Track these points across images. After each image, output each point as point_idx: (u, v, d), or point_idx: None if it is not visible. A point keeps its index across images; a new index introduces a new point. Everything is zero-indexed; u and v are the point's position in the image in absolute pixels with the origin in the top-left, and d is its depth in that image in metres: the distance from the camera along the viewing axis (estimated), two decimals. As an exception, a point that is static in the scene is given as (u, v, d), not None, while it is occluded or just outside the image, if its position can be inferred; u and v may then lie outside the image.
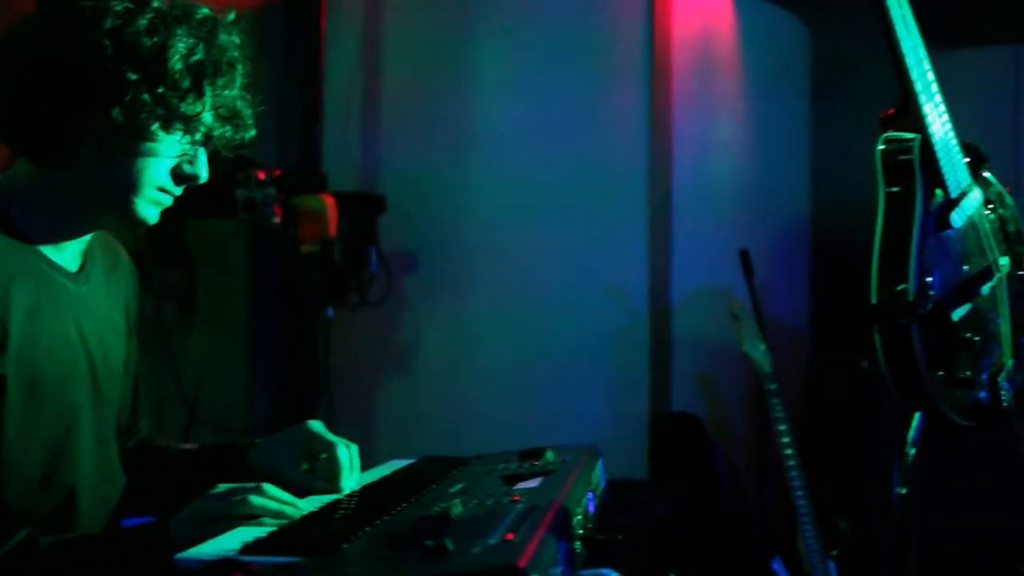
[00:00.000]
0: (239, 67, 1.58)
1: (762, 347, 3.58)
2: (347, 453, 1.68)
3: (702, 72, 4.42)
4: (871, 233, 1.86)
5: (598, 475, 1.79)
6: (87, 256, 1.67)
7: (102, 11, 1.47)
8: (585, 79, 4.20)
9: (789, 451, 3.47)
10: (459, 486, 1.58)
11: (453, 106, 4.19)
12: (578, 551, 1.37)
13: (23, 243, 1.54)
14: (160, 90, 1.48)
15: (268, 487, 1.46)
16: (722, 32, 4.52)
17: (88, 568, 1.41)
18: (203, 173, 1.61)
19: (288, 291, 3.92)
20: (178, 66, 1.49)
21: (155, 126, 1.50)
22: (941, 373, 1.80)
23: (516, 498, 1.40)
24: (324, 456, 1.69)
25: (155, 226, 1.61)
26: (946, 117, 1.90)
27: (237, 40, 1.59)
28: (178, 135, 1.54)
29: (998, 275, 1.97)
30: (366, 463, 1.88)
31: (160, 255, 3.76)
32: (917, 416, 1.87)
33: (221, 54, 1.55)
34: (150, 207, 1.58)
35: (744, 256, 3.81)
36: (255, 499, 1.42)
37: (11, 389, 1.47)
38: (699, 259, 4.29)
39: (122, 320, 1.77)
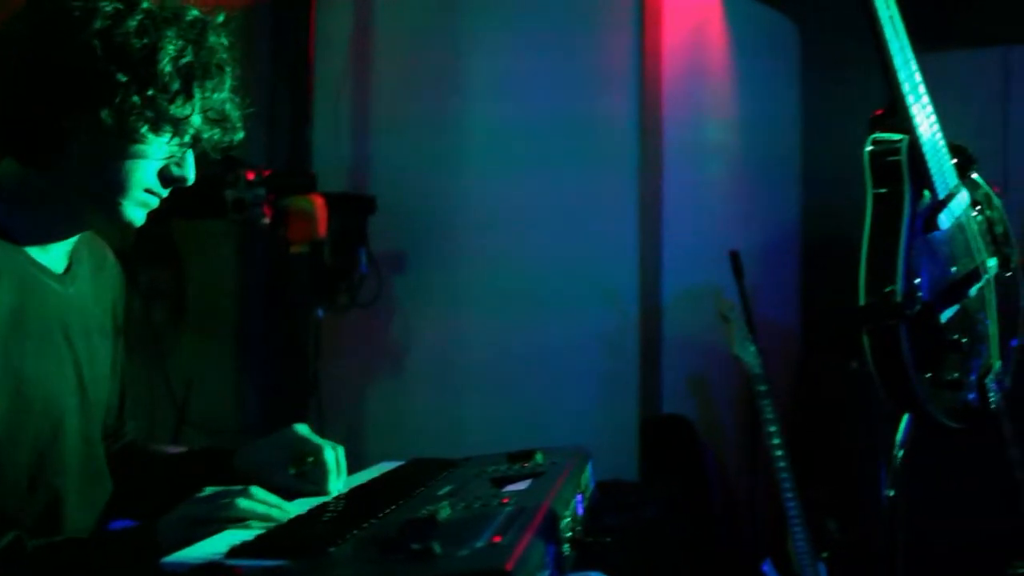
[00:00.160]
0: (228, 69, 1.58)
1: (752, 348, 3.59)
2: (334, 455, 1.68)
3: (692, 72, 4.42)
4: (861, 235, 1.86)
5: (587, 477, 1.79)
6: (73, 257, 1.66)
7: (92, 12, 1.47)
8: (575, 79, 4.20)
9: (779, 452, 3.48)
10: (447, 488, 1.57)
11: (443, 107, 4.18)
12: (566, 554, 1.37)
13: (8, 243, 1.53)
14: (150, 92, 1.47)
15: (255, 490, 1.45)
16: (712, 32, 4.52)
17: (75, 571, 1.40)
18: (191, 175, 1.60)
19: (277, 292, 3.92)
20: (168, 68, 1.49)
21: (144, 128, 1.50)
22: (929, 375, 1.80)
23: (504, 501, 1.40)
24: (311, 459, 1.68)
25: (144, 226, 1.61)
26: (934, 118, 1.91)
27: (226, 42, 1.58)
28: (166, 137, 1.54)
29: (986, 277, 1.97)
30: (356, 465, 1.87)
31: (149, 256, 3.75)
32: (905, 418, 1.87)
33: (211, 56, 1.54)
34: (137, 209, 1.57)
35: (734, 257, 3.82)
36: (242, 502, 1.42)
37: None
38: (690, 260, 4.29)
39: (109, 322, 1.76)
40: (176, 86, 1.50)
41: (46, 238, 1.59)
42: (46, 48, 1.47)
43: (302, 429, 1.73)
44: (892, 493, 1.94)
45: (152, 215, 1.61)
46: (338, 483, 1.68)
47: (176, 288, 3.89)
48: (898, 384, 1.78)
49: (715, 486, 4.15)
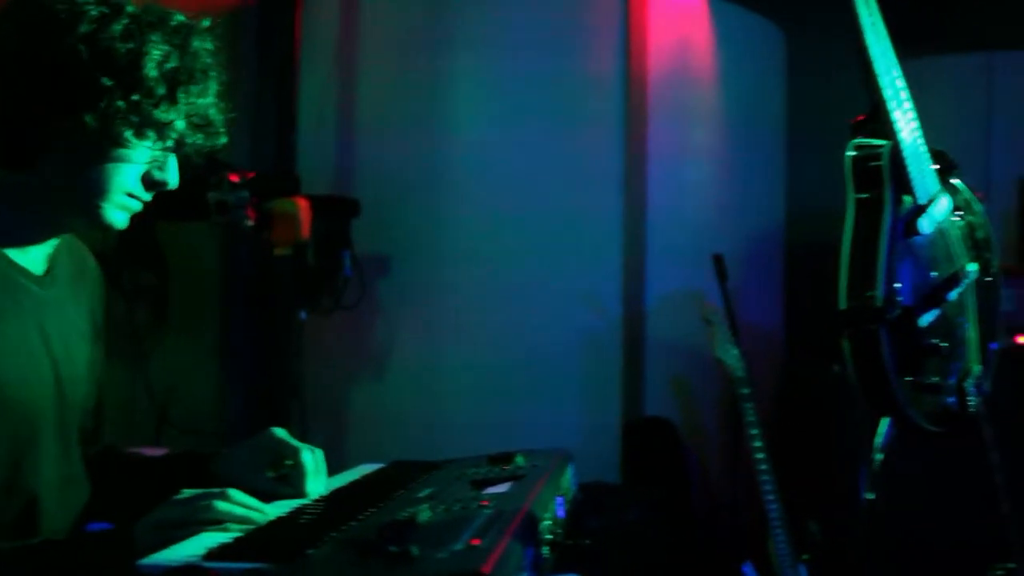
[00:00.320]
0: (213, 75, 1.57)
1: (735, 352, 3.59)
2: (312, 458, 1.67)
3: (678, 77, 4.44)
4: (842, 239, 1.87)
5: (568, 480, 1.79)
6: (53, 260, 1.66)
7: (77, 15, 1.46)
8: (561, 83, 4.21)
9: (761, 455, 3.49)
10: (427, 491, 1.57)
11: (428, 110, 4.18)
12: (545, 556, 1.37)
13: (-13, 245, 1.53)
14: (134, 97, 1.47)
15: (233, 492, 1.44)
16: (698, 38, 4.54)
17: (50, 573, 1.39)
18: (173, 179, 1.60)
19: (261, 294, 3.91)
20: (153, 73, 1.48)
21: (127, 133, 1.49)
22: (909, 379, 1.81)
23: (484, 503, 1.40)
24: (289, 462, 1.68)
25: (127, 228, 1.60)
26: (915, 124, 1.92)
27: (211, 47, 1.58)
28: (150, 141, 1.53)
29: (966, 281, 1.98)
30: (338, 467, 1.87)
31: (132, 257, 3.74)
32: (884, 422, 1.88)
33: (196, 61, 1.54)
34: (119, 212, 1.57)
35: (718, 260, 3.83)
36: (220, 504, 1.41)
37: None
38: (673, 263, 4.30)
39: (88, 325, 1.75)
40: (161, 91, 1.49)
41: (26, 240, 1.59)
42: (31, 51, 1.46)
43: (280, 432, 1.72)
44: (871, 496, 1.94)
45: (135, 217, 1.60)
46: (317, 485, 1.67)
47: (159, 290, 3.88)
48: (878, 388, 1.78)
49: (697, 488, 4.16)
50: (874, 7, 1.84)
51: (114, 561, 1.36)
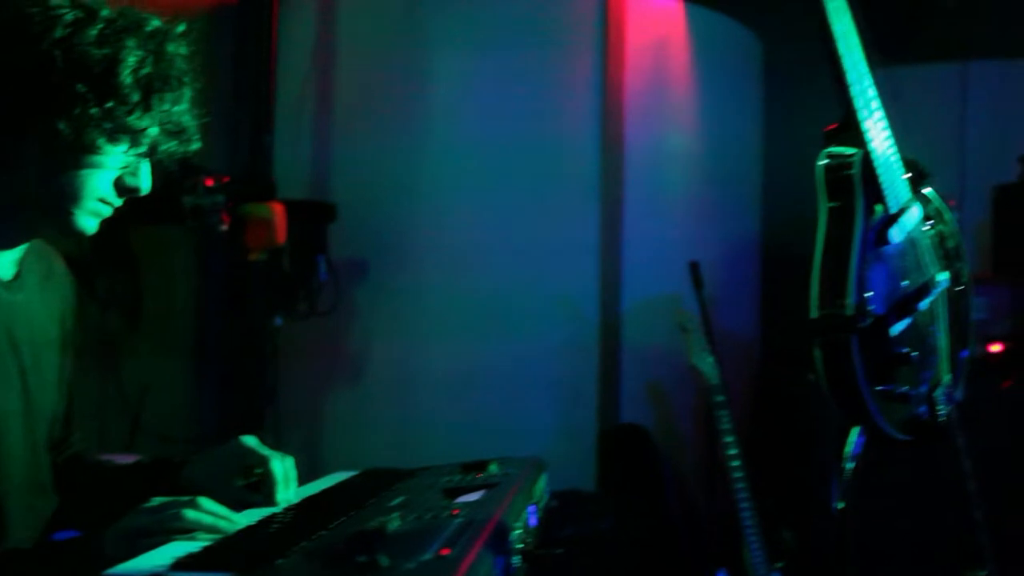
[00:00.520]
0: (188, 81, 1.56)
1: (710, 359, 3.60)
2: (282, 466, 1.66)
3: (655, 82, 4.45)
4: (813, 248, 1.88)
5: (541, 488, 1.79)
6: (22, 265, 1.64)
7: (52, 19, 1.45)
8: (538, 89, 4.21)
9: (735, 463, 3.49)
10: (399, 499, 1.56)
11: (406, 116, 4.18)
12: (516, 566, 1.36)
13: (-45, 250, 1.51)
14: (109, 104, 1.46)
15: (203, 501, 1.43)
16: (675, 43, 4.55)
17: (17, 583, 1.38)
18: (145, 185, 1.59)
19: (236, 299, 3.88)
20: (127, 80, 1.47)
21: (101, 139, 1.48)
22: (880, 388, 1.81)
23: (455, 512, 1.39)
24: (259, 471, 1.67)
25: (100, 232, 1.59)
26: (887, 133, 1.93)
27: (187, 52, 1.57)
28: (123, 147, 1.52)
29: (936, 290, 1.99)
30: (313, 474, 1.86)
31: (105, 261, 3.71)
32: (855, 431, 1.89)
33: (170, 68, 1.53)
34: (90, 218, 1.56)
35: (694, 268, 3.84)
36: (189, 513, 1.40)
37: None
38: (650, 271, 4.31)
39: (57, 330, 1.74)
40: (135, 98, 1.48)
41: (-5, 245, 1.57)
42: (3, 56, 1.45)
43: (250, 440, 1.71)
44: (842, 505, 1.95)
45: (110, 220, 1.59)
46: (287, 494, 1.66)
47: (132, 294, 3.85)
48: (849, 397, 1.79)
49: (672, 496, 4.16)
50: (846, 16, 1.84)
51: (81, 570, 1.35)
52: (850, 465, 1.89)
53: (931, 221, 2.10)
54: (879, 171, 1.89)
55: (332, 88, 4.26)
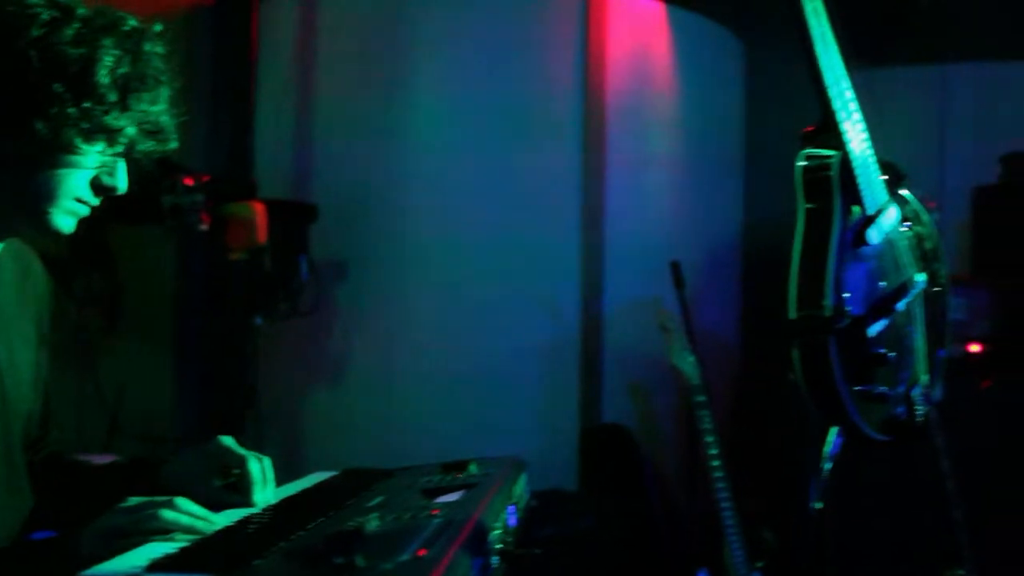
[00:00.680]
0: (165, 80, 1.56)
1: (691, 359, 3.61)
2: (259, 466, 1.66)
3: (636, 86, 4.46)
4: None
5: (521, 488, 1.78)
6: (-2, 264, 1.63)
7: (28, 18, 1.44)
8: (519, 92, 4.22)
9: (716, 463, 3.50)
10: (378, 500, 1.56)
11: (387, 116, 4.18)
12: (495, 566, 1.36)
13: (-70, 250, 1.50)
14: (86, 104, 1.45)
15: (180, 501, 1.42)
16: (657, 46, 4.56)
17: (-8, 584, 1.37)
18: (123, 184, 1.58)
19: (216, 299, 3.87)
20: (105, 80, 1.46)
21: (77, 139, 1.47)
22: (858, 388, 1.82)
23: (434, 512, 1.39)
24: (237, 471, 1.66)
25: (80, 231, 1.58)
26: (865, 135, 1.94)
27: (164, 52, 1.56)
28: (100, 147, 1.51)
29: (914, 291, 2.00)
30: (294, 474, 1.85)
31: (84, 261, 3.69)
32: (833, 431, 1.90)
33: (148, 67, 1.52)
34: (66, 217, 1.55)
35: (675, 267, 3.84)
36: (166, 513, 1.39)
37: None
38: (631, 271, 4.32)
39: (33, 330, 1.73)
40: (112, 98, 1.47)
41: (-30, 244, 1.56)
42: None
43: (227, 440, 1.70)
44: (820, 505, 1.96)
45: (89, 219, 1.58)
46: (265, 494, 1.65)
47: (112, 294, 3.83)
48: (827, 397, 1.80)
49: (653, 495, 4.17)
50: (824, 19, 1.85)
51: (58, 570, 1.34)
52: (828, 465, 1.90)
53: (909, 222, 2.11)
54: (857, 173, 1.90)
55: (313, 88, 4.26)
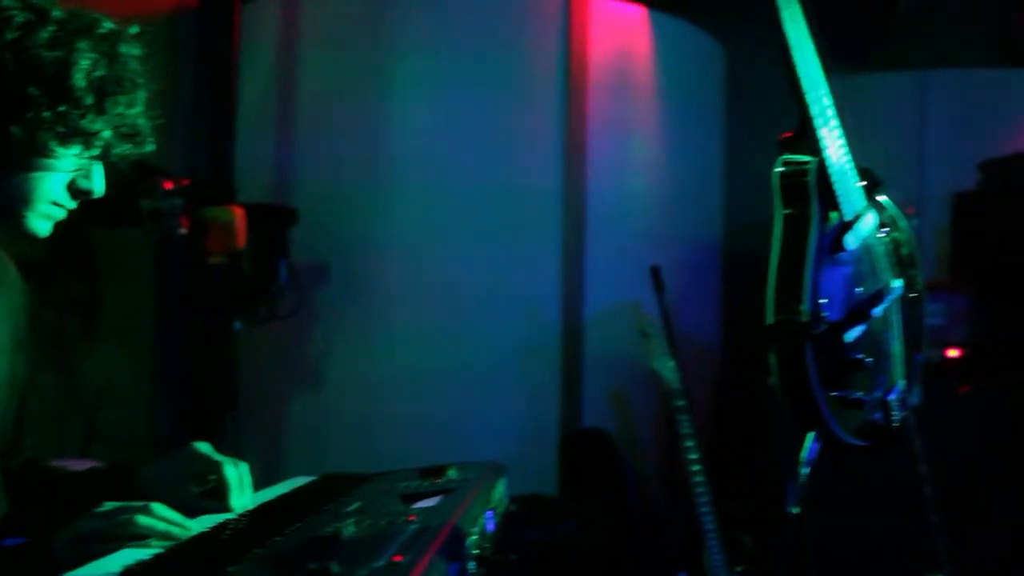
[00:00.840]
0: (142, 82, 1.55)
1: (671, 364, 3.61)
2: (235, 472, 1.65)
3: (617, 90, 4.47)
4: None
5: (500, 493, 1.78)
6: (-28, 268, 1.62)
7: (2, 22, 1.43)
8: (501, 95, 4.22)
9: (696, 467, 3.51)
10: (356, 505, 1.55)
11: (368, 120, 4.17)
12: (472, 572, 1.36)
13: (-96, 254, 1.49)
14: (61, 108, 1.44)
15: (156, 506, 1.42)
16: (638, 51, 4.57)
17: (-35, 590, 1.36)
18: (99, 187, 1.57)
19: (195, 303, 3.86)
20: (80, 83, 1.46)
21: (53, 143, 1.47)
22: (834, 394, 1.83)
23: (411, 518, 1.38)
24: (213, 477, 1.65)
25: (58, 234, 1.57)
26: (842, 141, 1.95)
27: (141, 54, 1.55)
28: (76, 150, 1.51)
29: (891, 297, 2.01)
30: (273, 478, 1.85)
31: (63, 264, 3.67)
32: (810, 436, 1.90)
33: (124, 70, 1.51)
34: (42, 221, 1.54)
35: (655, 272, 3.85)
36: (141, 519, 1.38)
37: None
38: (612, 275, 4.33)
39: (7, 335, 1.72)
40: (88, 101, 1.47)
41: (-55, 249, 1.55)
42: None
43: (202, 447, 1.69)
44: (796, 511, 1.97)
45: (68, 223, 1.58)
46: (242, 499, 1.65)
47: (90, 298, 3.81)
48: (803, 402, 1.81)
49: (634, 499, 4.17)
50: (802, 25, 1.86)
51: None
52: (805, 470, 1.91)
53: (886, 228, 2.12)
54: (834, 179, 1.91)
55: (294, 91, 4.25)
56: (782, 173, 1.92)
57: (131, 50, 1.54)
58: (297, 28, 4.28)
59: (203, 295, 3.75)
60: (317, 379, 4.09)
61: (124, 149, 1.55)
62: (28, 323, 1.79)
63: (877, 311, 1.95)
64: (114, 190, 1.60)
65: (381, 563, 1.13)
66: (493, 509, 1.63)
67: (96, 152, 1.53)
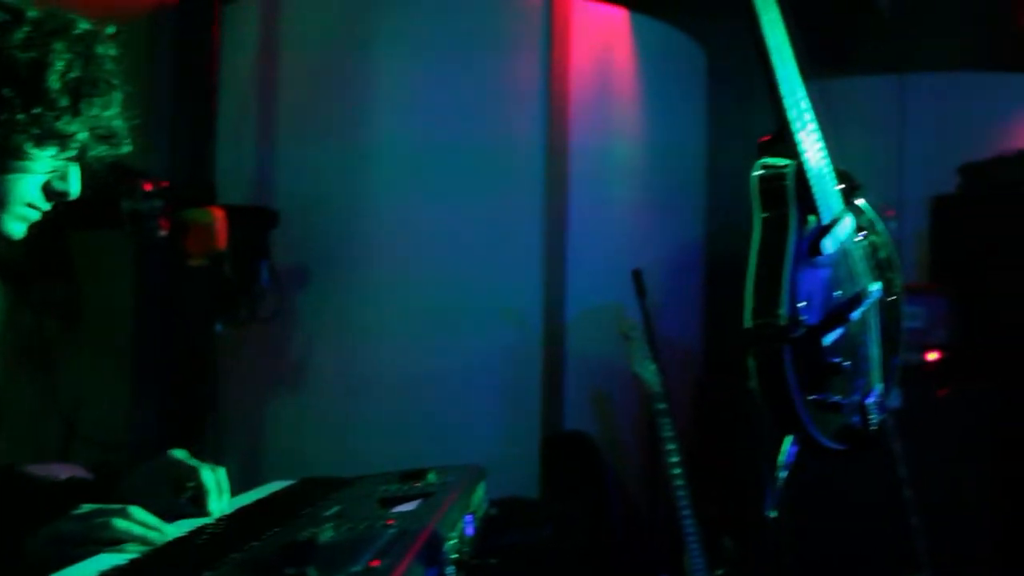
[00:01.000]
0: (118, 83, 1.54)
1: (652, 367, 3.62)
2: (213, 476, 1.64)
3: (599, 92, 4.47)
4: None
5: (479, 497, 1.78)
6: (-54, 273, 1.61)
7: None
8: (482, 97, 4.22)
9: (677, 471, 3.52)
10: (335, 509, 1.55)
11: (349, 121, 4.16)
12: (451, 576, 1.36)
13: None
14: (36, 110, 1.43)
15: (134, 510, 1.41)
16: (619, 53, 4.58)
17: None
18: (75, 189, 1.56)
19: (175, 305, 3.84)
20: (55, 85, 1.44)
21: (28, 145, 1.46)
22: (812, 397, 1.84)
23: (389, 522, 1.38)
24: (191, 484, 1.64)
25: (37, 237, 1.56)
26: (820, 145, 1.95)
27: (117, 55, 1.54)
28: (51, 152, 1.50)
29: (868, 300, 2.02)
30: (253, 482, 1.84)
31: (42, 267, 3.65)
32: (788, 440, 1.91)
33: (100, 71, 1.50)
34: (17, 223, 1.53)
35: (637, 276, 3.86)
36: (118, 523, 1.37)
37: None
38: (594, 279, 4.33)
39: (-18, 338, 1.71)
40: (64, 103, 1.46)
41: (-82, 251, 1.54)
42: None
43: (178, 453, 1.68)
44: (774, 514, 1.97)
45: (47, 225, 1.56)
46: (220, 504, 1.64)
47: (69, 300, 3.79)
48: (782, 406, 1.81)
49: (615, 502, 4.18)
50: (780, 29, 1.87)
51: (5, 578, 1.32)
52: (783, 474, 1.91)
53: (864, 232, 2.13)
54: (812, 182, 1.92)
55: (275, 92, 4.23)
56: (761, 177, 1.93)
57: (107, 51, 1.53)
58: (278, 29, 4.27)
59: (183, 297, 3.73)
60: (298, 381, 4.08)
61: (100, 151, 1.54)
62: (6, 327, 1.78)
63: (855, 315, 1.95)
64: (93, 192, 1.59)
65: (358, 568, 1.12)
66: (473, 513, 1.63)
67: (72, 154, 1.52)
